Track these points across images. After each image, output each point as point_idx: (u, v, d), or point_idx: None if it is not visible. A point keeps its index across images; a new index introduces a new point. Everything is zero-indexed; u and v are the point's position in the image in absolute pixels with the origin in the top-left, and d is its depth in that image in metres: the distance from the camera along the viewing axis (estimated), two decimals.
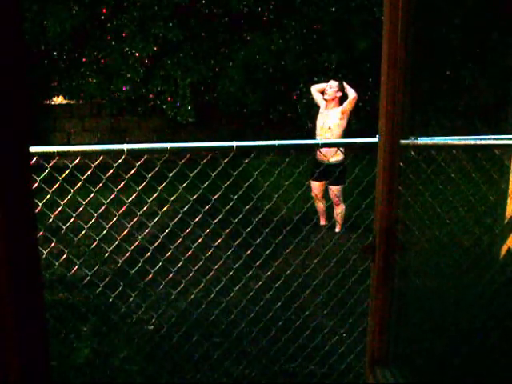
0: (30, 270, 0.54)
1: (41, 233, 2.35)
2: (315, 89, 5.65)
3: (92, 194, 2.36)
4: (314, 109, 8.39)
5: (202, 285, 2.65)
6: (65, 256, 2.56)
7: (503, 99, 7.59)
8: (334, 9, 8.25)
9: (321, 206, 5.42)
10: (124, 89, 8.21)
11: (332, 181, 4.87)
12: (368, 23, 8.12)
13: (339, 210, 5.21)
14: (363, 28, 8.16)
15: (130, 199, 2.46)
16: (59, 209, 2.37)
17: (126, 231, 2.52)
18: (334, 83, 5.44)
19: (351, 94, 5.29)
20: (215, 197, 2.62)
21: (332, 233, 4.85)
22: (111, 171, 2.24)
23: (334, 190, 5.22)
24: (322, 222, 5.40)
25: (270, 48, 8.33)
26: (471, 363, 2.82)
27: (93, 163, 2.21)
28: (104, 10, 8.01)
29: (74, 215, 2.39)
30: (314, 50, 8.41)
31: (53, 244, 2.45)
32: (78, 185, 2.33)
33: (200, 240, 2.63)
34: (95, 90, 8.42)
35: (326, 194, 5.45)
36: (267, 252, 2.66)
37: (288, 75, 8.55)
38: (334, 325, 2.86)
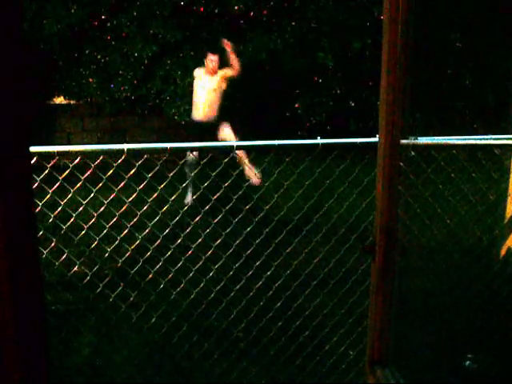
0: (30, 270, 0.54)
1: (41, 233, 2.35)
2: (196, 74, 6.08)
3: (92, 194, 2.36)
4: (312, 108, 8.37)
5: (202, 285, 2.65)
6: (65, 256, 2.56)
7: (504, 99, 7.59)
8: (333, 8, 8.25)
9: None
10: (122, 88, 8.21)
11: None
12: (367, 23, 8.11)
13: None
14: (362, 27, 8.15)
15: (130, 199, 2.46)
16: (59, 209, 2.37)
17: (126, 231, 2.52)
18: (214, 57, 5.84)
19: (235, 66, 5.79)
20: (215, 197, 2.62)
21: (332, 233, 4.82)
22: (111, 171, 2.24)
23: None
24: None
25: (268, 47, 8.33)
26: (471, 362, 2.82)
27: (93, 163, 2.21)
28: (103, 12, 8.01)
29: (74, 215, 2.39)
30: (313, 49, 8.41)
31: (53, 244, 2.45)
32: (78, 185, 2.33)
33: (200, 240, 2.63)
34: (95, 90, 8.42)
35: None
36: (267, 252, 2.66)
37: (286, 74, 8.55)
38: (333, 324, 2.86)
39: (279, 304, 2.71)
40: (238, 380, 2.77)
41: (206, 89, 5.92)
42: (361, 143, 2.37)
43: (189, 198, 5.36)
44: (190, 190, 5.42)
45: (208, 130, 5.87)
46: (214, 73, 5.85)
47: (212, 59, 5.82)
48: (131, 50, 8.13)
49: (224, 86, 5.97)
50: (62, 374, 2.86)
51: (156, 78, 8.34)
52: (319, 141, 2.31)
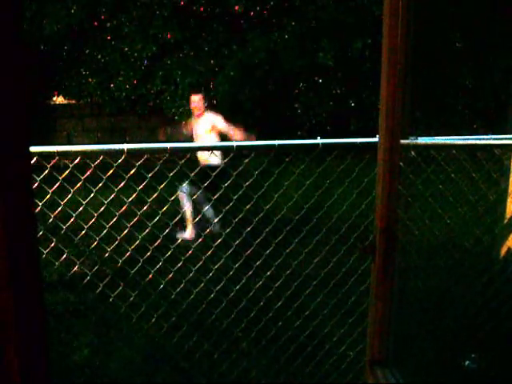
0: (30, 270, 0.54)
1: (41, 233, 2.35)
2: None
3: (92, 194, 2.36)
4: (312, 108, 8.35)
5: (202, 285, 2.65)
6: (65, 256, 2.56)
7: (504, 99, 7.59)
8: (333, 8, 8.25)
9: (189, 213, 4.31)
10: (122, 88, 8.22)
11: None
12: (367, 23, 8.11)
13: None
14: (362, 27, 8.15)
15: (130, 199, 2.46)
16: (59, 209, 2.37)
17: (126, 231, 2.52)
18: (195, 98, 5.26)
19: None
20: (215, 196, 2.62)
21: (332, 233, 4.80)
22: (111, 171, 2.24)
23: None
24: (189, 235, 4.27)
25: (268, 47, 8.33)
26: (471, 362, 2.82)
27: (93, 163, 2.20)
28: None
29: (74, 215, 2.39)
30: (313, 49, 8.41)
31: (53, 244, 2.45)
32: (78, 185, 2.33)
33: (200, 240, 2.63)
34: (95, 90, 8.43)
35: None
36: (267, 252, 2.66)
37: (286, 74, 8.55)
38: (334, 325, 2.86)
39: (279, 304, 2.71)
40: (238, 380, 2.77)
41: (198, 135, 5.13)
42: (361, 143, 2.37)
43: (188, 232, 4.29)
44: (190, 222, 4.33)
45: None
46: (199, 114, 5.21)
47: (192, 100, 5.26)
48: (131, 49, 8.14)
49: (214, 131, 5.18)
50: (62, 374, 2.86)
51: (156, 78, 8.35)
52: (319, 141, 2.31)
